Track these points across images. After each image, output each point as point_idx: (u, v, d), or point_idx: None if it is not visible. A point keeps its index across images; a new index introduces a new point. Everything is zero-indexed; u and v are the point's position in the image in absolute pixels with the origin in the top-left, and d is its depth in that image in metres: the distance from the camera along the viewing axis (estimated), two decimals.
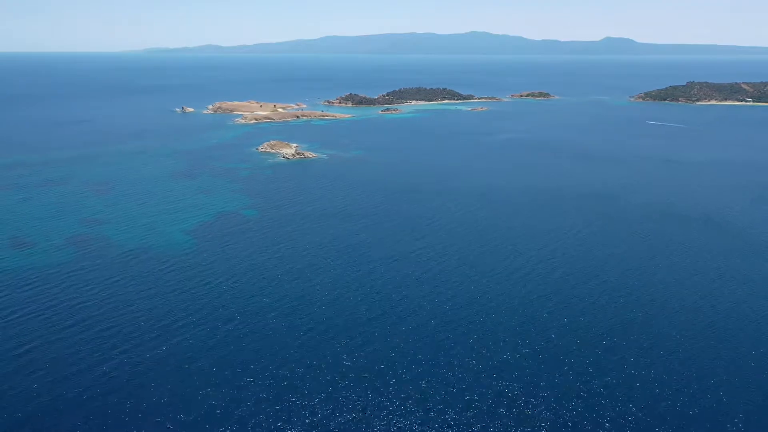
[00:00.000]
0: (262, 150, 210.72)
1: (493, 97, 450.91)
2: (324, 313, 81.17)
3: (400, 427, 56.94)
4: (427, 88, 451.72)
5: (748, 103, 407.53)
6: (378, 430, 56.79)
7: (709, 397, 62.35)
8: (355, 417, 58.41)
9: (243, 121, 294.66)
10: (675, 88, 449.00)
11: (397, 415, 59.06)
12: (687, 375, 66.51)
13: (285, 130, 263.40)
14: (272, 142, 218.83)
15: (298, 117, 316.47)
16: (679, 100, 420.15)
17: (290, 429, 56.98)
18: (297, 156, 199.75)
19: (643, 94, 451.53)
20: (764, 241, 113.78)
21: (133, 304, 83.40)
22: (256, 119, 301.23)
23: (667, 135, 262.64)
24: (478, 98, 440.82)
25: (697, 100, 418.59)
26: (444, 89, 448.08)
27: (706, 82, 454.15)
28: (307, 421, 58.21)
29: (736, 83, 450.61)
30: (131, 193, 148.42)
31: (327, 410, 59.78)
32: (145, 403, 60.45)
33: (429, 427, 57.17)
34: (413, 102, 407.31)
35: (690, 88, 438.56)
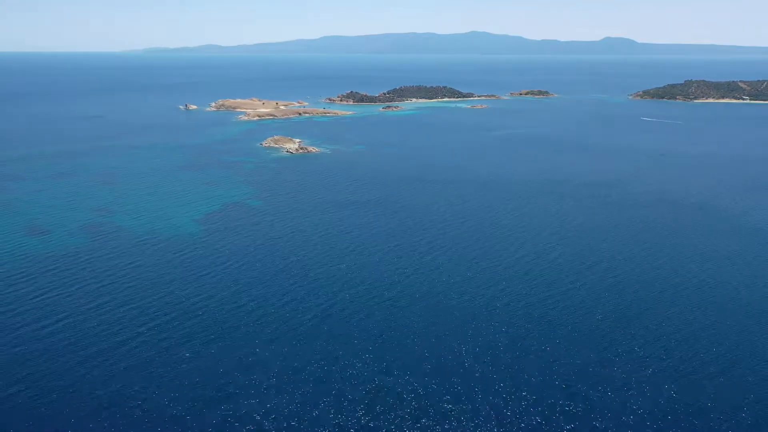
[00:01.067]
0: (266, 145, 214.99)
1: (492, 95, 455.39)
2: (336, 294, 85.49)
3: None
4: (428, 86, 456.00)
5: (745, 101, 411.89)
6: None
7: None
8: (369, 388, 62.65)
9: (246, 118, 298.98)
10: (673, 86, 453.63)
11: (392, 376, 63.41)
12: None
13: (288, 127, 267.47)
14: (276, 137, 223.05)
15: (300, 114, 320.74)
16: (676, 98, 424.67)
17: (306, 391, 61.33)
18: (300, 150, 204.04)
19: (641, 92, 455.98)
20: (753, 225, 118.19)
21: (154, 286, 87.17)
22: (259, 116, 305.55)
23: (661, 130, 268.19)
24: (478, 96, 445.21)
25: (695, 98, 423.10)
26: (444, 87, 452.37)
27: (703, 81, 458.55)
28: (326, 382, 62.55)
29: (733, 81, 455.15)
30: (141, 185, 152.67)
31: (339, 373, 64.15)
32: (171, 376, 64.50)
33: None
34: (414, 100, 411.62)
35: (688, 87, 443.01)
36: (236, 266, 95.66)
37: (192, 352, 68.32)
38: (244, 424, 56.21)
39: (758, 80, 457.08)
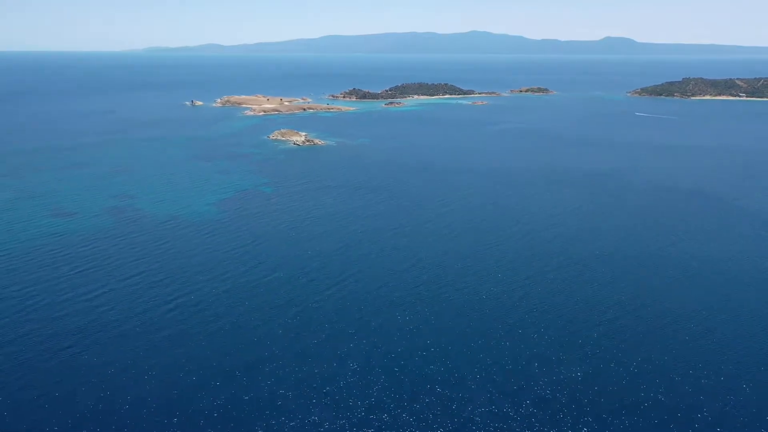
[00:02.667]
0: (274, 138, 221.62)
1: (492, 92, 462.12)
2: (349, 268, 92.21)
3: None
4: (429, 83, 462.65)
5: (741, 98, 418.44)
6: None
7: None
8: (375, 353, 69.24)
9: (252, 113, 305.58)
10: (671, 84, 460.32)
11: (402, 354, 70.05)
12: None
13: (293, 121, 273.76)
14: (282, 130, 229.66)
15: (304, 110, 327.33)
16: (674, 95, 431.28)
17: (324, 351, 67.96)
18: (307, 143, 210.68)
19: (639, 90, 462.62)
20: (745, 209, 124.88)
21: (184, 263, 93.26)
22: (265, 111, 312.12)
23: (654, 125, 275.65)
24: (479, 93, 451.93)
25: (692, 95, 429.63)
26: (445, 84, 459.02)
27: (701, 78, 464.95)
28: (344, 349, 69.21)
29: (730, 79, 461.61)
30: (156, 174, 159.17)
31: (352, 345, 70.79)
32: (207, 335, 71.04)
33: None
34: (415, 96, 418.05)
35: (685, 84, 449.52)
36: (258, 245, 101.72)
37: (229, 322, 74.04)
38: (271, 379, 62.79)
39: (755, 78, 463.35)
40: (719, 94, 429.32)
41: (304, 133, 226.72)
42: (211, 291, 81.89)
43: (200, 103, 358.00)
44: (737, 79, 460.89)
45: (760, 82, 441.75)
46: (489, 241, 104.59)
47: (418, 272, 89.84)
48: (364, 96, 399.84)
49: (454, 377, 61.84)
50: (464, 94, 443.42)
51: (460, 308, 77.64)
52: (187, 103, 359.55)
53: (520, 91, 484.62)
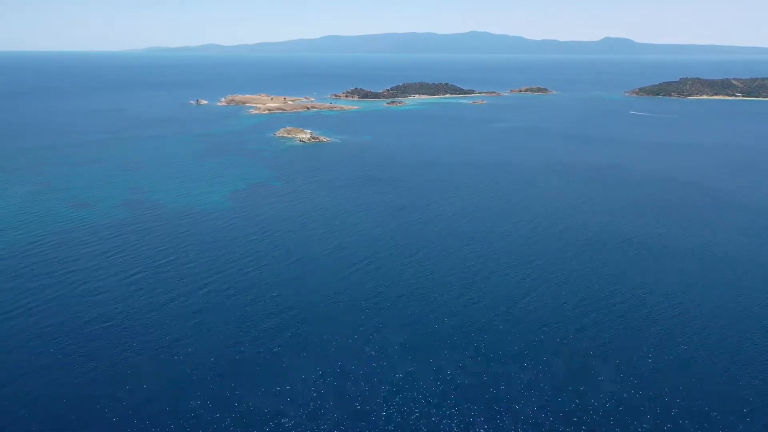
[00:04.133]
0: (280, 135, 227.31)
1: (492, 92, 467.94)
2: (365, 253, 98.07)
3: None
4: (430, 83, 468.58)
5: (737, 98, 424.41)
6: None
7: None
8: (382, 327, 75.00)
9: (257, 112, 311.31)
10: (668, 83, 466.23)
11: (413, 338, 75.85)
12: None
13: (297, 120, 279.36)
14: (288, 128, 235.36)
15: (308, 108, 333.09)
16: (671, 95, 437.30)
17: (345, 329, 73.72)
18: (312, 140, 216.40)
19: (637, 90, 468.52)
20: (740, 201, 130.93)
21: (206, 248, 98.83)
22: (269, 110, 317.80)
23: (647, 123, 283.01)
24: (479, 93, 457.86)
25: (689, 94, 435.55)
26: (446, 84, 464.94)
27: (698, 78, 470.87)
28: (361, 327, 75.00)
29: (726, 79, 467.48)
30: (168, 169, 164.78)
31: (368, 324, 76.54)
32: (241, 315, 76.77)
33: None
34: (416, 96, 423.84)
35: (682, 84, 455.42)
36: (277, 234, 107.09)
37: (255, 298, 79.74)
38: (294, 348, 68.59)
39: (751, 78, 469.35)
40: (716, 94, 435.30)
41: (309, 131, 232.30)
42: (238, 276, 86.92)
43: (205, 102, 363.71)
44: (734, 79, 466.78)
45: (756, 82, 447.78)
46: (497, 226, 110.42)
47: (429, 256, 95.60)
48: (366, 95, 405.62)
49: (460, 347, 67.59)
50: (465, 93, 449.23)
51: (473, 283, 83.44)
52: (192, 102, 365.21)
53: (520, 91, 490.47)
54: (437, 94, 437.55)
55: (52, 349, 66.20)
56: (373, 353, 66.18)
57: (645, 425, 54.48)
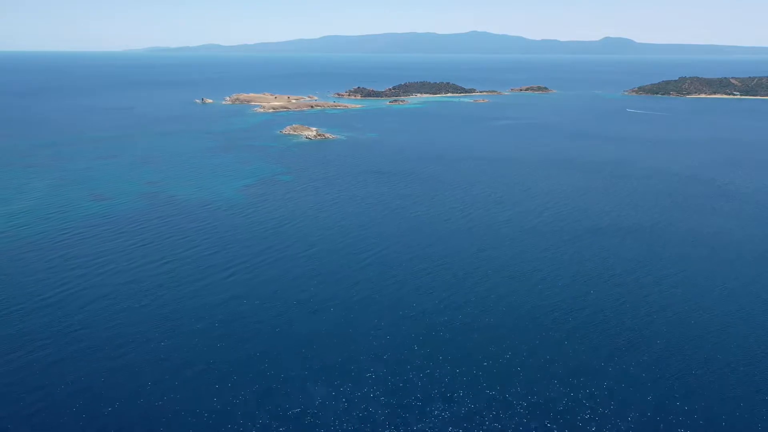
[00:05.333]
0: (286, 132, 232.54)
1: (493, 91, 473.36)
2: (380, 241, 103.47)
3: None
4: (431, 82, 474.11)
5: (735, 96, 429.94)
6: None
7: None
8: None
9: (262, 110, 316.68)
10: (667, 82, 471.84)
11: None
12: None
13: (302, 118, 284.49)
14: (294, 125, 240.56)
15: (312, 107, 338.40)
16: (670, 94, 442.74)
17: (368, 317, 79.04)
18: (319, 137, 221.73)
19: (636, 88, 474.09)
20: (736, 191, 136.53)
21: (228, 238, 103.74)
22: (274, 108, 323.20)
23: (643, 120, 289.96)
24: (480, 92, 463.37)
25: (688, 93, 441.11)
26: (447, 83, 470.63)
27: (696, 77, 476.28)
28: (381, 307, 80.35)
29: (725, 78, 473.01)
30: (181, 164, 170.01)
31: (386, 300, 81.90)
32: (266, 295, 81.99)
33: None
34: (418, 95, 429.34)
35: (681, 83, 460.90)
36: (292, 224, 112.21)
37: (281, 287, 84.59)
38: (322, 322, 73.96)
39: (749, 77, 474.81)
40: (714, 93, 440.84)
41: (315, 128, 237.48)
42: (260, 262, 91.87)
43: (210, 100, 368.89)
44: (732, 78, 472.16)
45: (754, 81, 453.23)
46: (502, 214, 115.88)
47: (442, 241, 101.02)
48: (368, 94, 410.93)
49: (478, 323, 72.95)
50: (466, 92, 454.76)
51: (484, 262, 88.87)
52: (198, 100, 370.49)
53: (521, 90, 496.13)
54: (439, 93, 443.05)
55: (94, 331, 71.02)
56: (401, 331, 71.60)
57: (649, 397, 59.70)
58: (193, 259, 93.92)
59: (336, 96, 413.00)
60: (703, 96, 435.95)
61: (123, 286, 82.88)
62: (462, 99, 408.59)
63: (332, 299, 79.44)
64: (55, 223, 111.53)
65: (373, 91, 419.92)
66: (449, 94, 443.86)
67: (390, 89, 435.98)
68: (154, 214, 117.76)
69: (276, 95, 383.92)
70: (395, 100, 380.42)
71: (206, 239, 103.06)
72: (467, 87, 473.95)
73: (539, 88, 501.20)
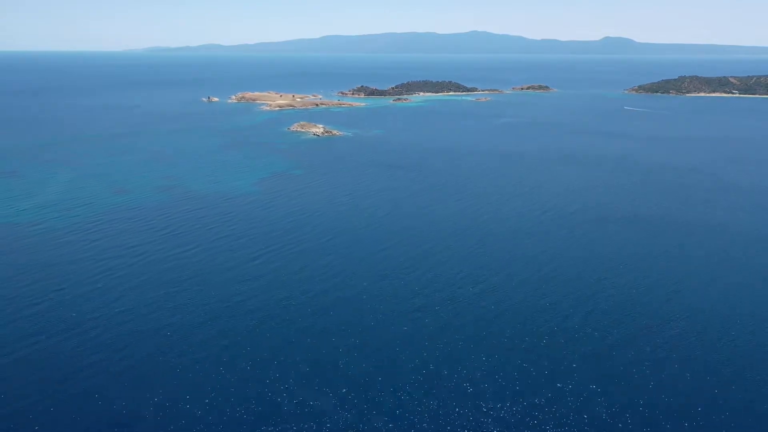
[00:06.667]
0: (294, 129, 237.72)
1: (495, 90, 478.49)
2: (395, 231, 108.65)
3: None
4: (434, 81, 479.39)
5: (734, 95, 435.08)
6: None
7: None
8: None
9: (268, 108, 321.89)
10: (667, 81, 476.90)
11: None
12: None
13: (308, 115, 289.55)
14: (301, 123, 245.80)
15: (317, 105, 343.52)
16: (670, 92, 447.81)
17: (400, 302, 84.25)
18: (326, 134, 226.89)
19: (636, 87, 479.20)
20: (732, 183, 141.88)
21: (250, 227, 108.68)
22: (279, 106, 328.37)
23: (639, 117, 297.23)
24: (482, 90, 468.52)
25: (687, 92, 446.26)
26: (449, 82, 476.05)
27: (695, 76, 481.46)
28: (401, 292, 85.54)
29: (724, 77, 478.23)
30: (192, 160, 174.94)
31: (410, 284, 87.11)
32: (297, 281, 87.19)
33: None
34: (421, 93, 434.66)
35: (680, 82, 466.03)
36: (312, 215, 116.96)
37: (303, 267, 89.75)
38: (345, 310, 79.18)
39: (748, 76, 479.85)
40: (713, 91, 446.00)
41: (321, 125, 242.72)
42: (285, 252, 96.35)
43: (216, 99, 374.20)
44: (731, 77, 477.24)
45: (753, 80, 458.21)
46: (508, 204, 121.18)
47: (453, 229, 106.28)
48: (372, 93, 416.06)
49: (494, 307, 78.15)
50: (468, 91, 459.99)
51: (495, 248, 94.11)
52: (204, 99, 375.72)
53: (522, 89, 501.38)
54: (441, 92, 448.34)
55: (138, 310, 76.41)
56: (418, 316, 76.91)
57: (664, 374, 64.87)
58: (221, 245, 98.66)
59: (340, 95, 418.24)
60: (702, 94, 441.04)
61: (156, 272, 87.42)
62: (464, 97, 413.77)
63: (352, 282, 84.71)
64: (83, 214, 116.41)
65: (376, 89, 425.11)
66: (451, 93, 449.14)
67: (393, 88, 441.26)
68: (177, 206, 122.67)
69: (281, 94, 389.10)
70: (398, 99, 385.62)
71: (231, 228, 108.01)
72: (469, 86, 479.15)
73: (540, 87, 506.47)
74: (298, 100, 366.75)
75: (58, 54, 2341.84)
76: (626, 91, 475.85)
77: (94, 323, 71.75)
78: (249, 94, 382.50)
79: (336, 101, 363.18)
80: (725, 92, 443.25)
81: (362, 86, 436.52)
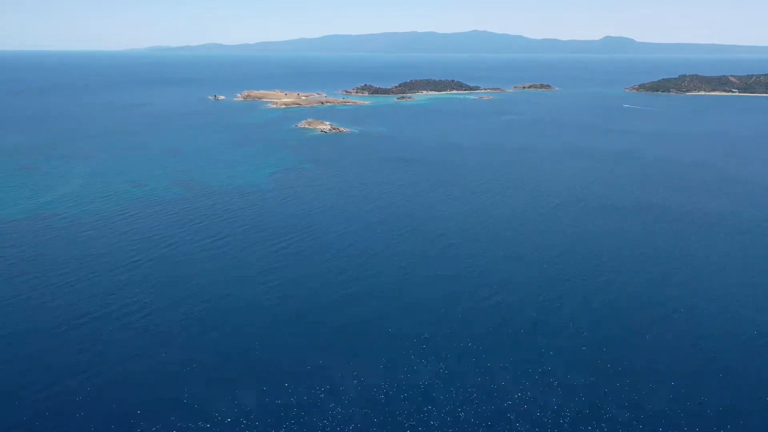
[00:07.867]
0: (302, 126, 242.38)
1: (497, 89, 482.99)
2: (408, 222, 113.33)
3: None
4: (437, 80, 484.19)
5: (733, 94, 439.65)
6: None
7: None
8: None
9: (274, 106, 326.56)
10: (667, 80, 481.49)
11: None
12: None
13: (314, 113, 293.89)
14: (309, 120, 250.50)
15: (322, 103, 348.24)
16: (670, 91, 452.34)
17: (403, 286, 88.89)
18: (333, 130, 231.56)
19: (637, 86, 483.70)
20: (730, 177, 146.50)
21: (269, 219, 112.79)
22: (285, 104, 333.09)
23: (637, 115, 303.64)
24: (484, 89, 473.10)
25: (687, 90, 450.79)
26: (452, 81, 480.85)
27: (695, 75, 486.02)
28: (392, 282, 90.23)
29: (724, 76, 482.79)
30: (205, 156, 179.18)
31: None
32: (312, 271, 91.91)
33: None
34: (424, 92, 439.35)
35: (681, 80, 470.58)
36: (328, 208, 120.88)
37: (333, 263, 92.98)
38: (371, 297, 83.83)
39: (748, 75, 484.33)
40: (713, 90, 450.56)
41: (328, 122, 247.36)
42: (304, 242, 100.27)
43: (222, 97, 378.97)
44: (731, 76, 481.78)
45: (752, 79, 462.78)
46: (514, 197, 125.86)
47: (464, 222, 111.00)
48: (375, 91, 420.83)
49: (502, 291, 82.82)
50: (470, 89, 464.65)
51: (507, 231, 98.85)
52: (210, 97, 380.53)
53: (524, 87, 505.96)
54: (444, 91, 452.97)
55: (167, 296, 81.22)
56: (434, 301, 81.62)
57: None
58: (244, 236, 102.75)
59: (344, 93, 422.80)
60: (702, 93, 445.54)
61: (184, 261, 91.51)
62: (467, 96, 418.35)
63: (374, 270, 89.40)
64: (104, 206, 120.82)
65: (380, 88, 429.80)
66: (454, 92, 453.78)
67: (396, 86, 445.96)
68: (196, 199, 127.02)
69: (286, 92, 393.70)
70: (402, 97, 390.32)
71: (251, 219, 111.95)
72: (472, 84, 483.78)
73: (542, 86, 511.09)
74: (304, 98, 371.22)
75: (61, 53, 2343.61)
76: (626, 90, 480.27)
77: (154, 308, 75.82)
78: (255, 93, 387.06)
79: (341, 99, 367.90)
80: (725, 91, 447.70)
81: (366, 85, 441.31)
